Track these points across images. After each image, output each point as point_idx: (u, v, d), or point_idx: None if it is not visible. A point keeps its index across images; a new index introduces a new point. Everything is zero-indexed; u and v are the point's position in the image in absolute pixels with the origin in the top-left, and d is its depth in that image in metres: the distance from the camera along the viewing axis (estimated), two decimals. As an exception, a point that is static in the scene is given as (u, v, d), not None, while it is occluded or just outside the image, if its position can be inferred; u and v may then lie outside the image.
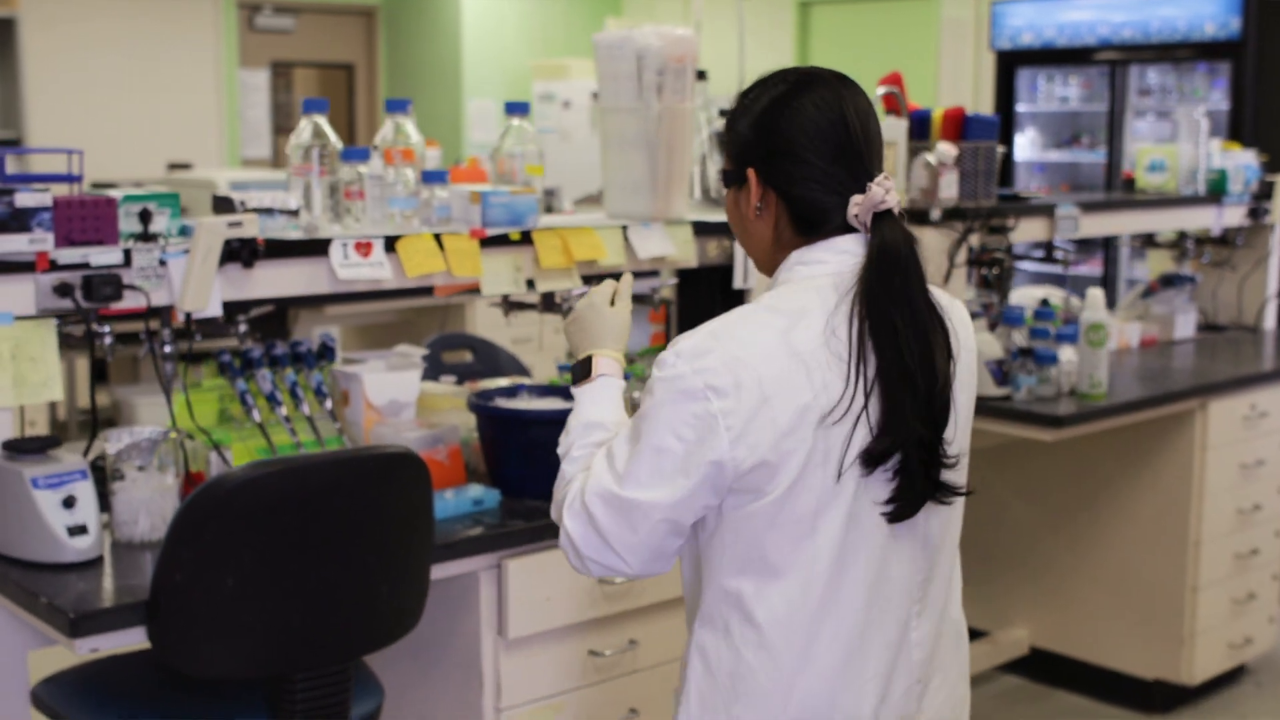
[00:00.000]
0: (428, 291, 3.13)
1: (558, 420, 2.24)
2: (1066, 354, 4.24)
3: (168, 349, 2.88)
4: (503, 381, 3.44)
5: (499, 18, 10.66)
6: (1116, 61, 8.06)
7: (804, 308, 1.86)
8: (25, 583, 2.43)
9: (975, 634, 4.79)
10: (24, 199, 2.57)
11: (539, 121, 10.74)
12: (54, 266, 2.61)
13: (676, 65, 3.51)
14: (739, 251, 3.71)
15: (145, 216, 2.75)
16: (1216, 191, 5.21)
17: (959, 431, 1.94)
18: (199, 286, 2.74)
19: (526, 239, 3.25)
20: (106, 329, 2.76)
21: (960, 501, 1.97)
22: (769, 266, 1.99)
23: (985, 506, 4.79)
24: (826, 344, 1.84)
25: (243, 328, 2.98)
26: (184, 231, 2.87)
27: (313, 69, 11.12)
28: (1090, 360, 4.16)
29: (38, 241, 2.58)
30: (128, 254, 2.69)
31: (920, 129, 4.35)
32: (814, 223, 1.93)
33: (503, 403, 3.12)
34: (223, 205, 2.97)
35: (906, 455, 1.84)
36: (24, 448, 2.56)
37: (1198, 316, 5.41)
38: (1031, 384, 4.13)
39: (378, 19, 11.06)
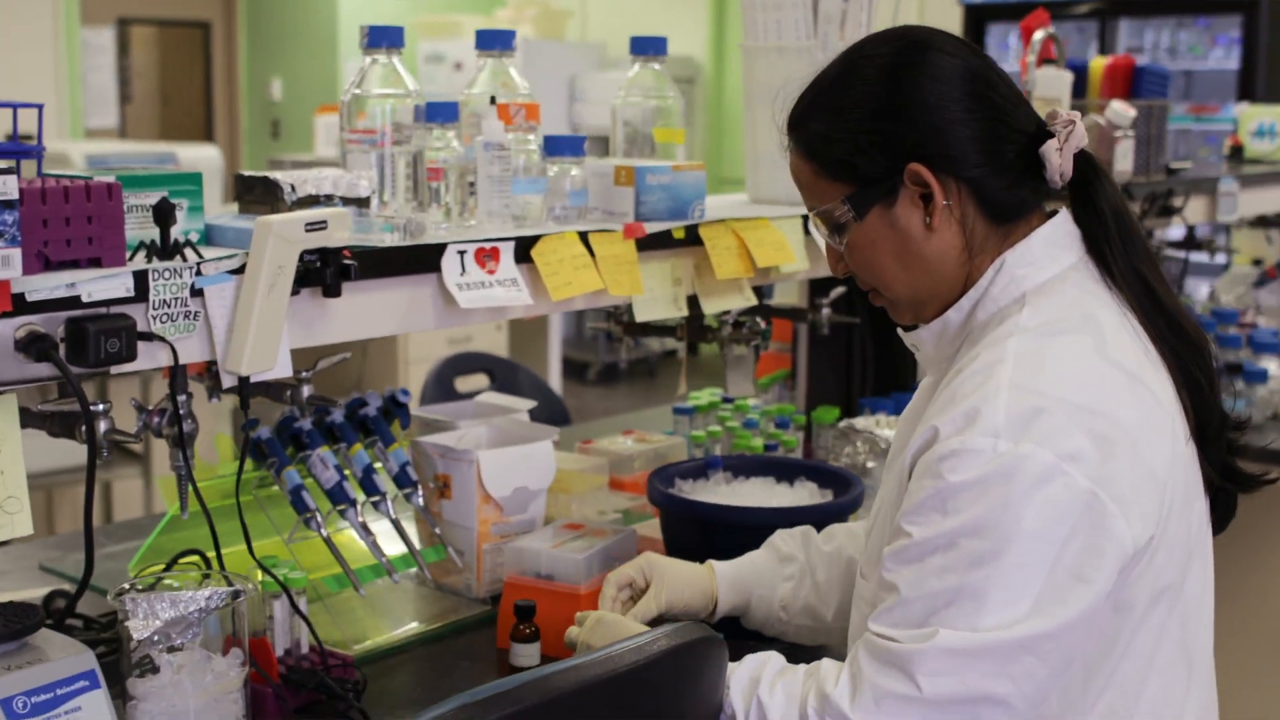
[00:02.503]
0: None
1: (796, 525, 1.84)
2: (1273, 368, 3.33)
3: (187, 426, 1.75)
4: (656, 440, 2.37)
5: (378, -31, 9.43)
6: (1105, 13, 7.23)
7: (1088, 313, 1.46)
8: None
9: None
10: (-35, 187, 1.42)
11: (425, 86, 9.56)
12: (21, 306, 1.47)
13: (862, -13, 2.48)
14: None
15: (165, 213, 1.62)
16: (1346, 160, 4.36)
17: None
18: (264, 332, 1.62)
19: (689, 237, 2.19)
20: (103, 406, 1.62)
21: None
22: (956, 287, 1.53)
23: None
24: (1142, 348, 1.47)
25: (306, 391, 1.86)
26: (204, 237, 1.75)
27: (162, 27, 9.75)
28: (1319, 378, 3.24)
29: (-7, 263, 1.44)
30: (142, 280, 1.56)
31: (1076, 84, 3.38)
32: (1013, 204, 1.52)
33: (701, 493, 2.05)
34: (261, 190, 1.84)
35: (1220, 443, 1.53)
36: (-20, 633, 1.42)
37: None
38: (1239, 409, 3.20)
39: (236, -30, 9.72)
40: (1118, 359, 1.43)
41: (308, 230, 1.65)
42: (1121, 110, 3.25)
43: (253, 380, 1.67)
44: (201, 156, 7.11)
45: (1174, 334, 1.51)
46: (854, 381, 3.03)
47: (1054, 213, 1.57)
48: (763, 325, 2.55)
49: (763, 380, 3.00)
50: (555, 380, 6.83)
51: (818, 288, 2.77)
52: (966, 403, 1.39)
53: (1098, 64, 3.41)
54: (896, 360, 2.98)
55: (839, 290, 2.67)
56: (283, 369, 1.68)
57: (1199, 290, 5.46)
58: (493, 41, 2.16)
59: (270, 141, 9.49)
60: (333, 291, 1.70)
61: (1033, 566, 1.33)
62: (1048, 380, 1.39)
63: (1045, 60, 3.29)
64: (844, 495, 1.98)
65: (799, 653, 1.80)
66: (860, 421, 2.39)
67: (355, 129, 2.00)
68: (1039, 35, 3.27)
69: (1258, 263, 4.87)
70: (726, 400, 2.80)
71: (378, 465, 2.00)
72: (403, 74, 2.00)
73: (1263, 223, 4.57)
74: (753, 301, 2.32)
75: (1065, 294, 1.49)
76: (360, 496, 1.96)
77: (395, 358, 5.67)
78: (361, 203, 1.89)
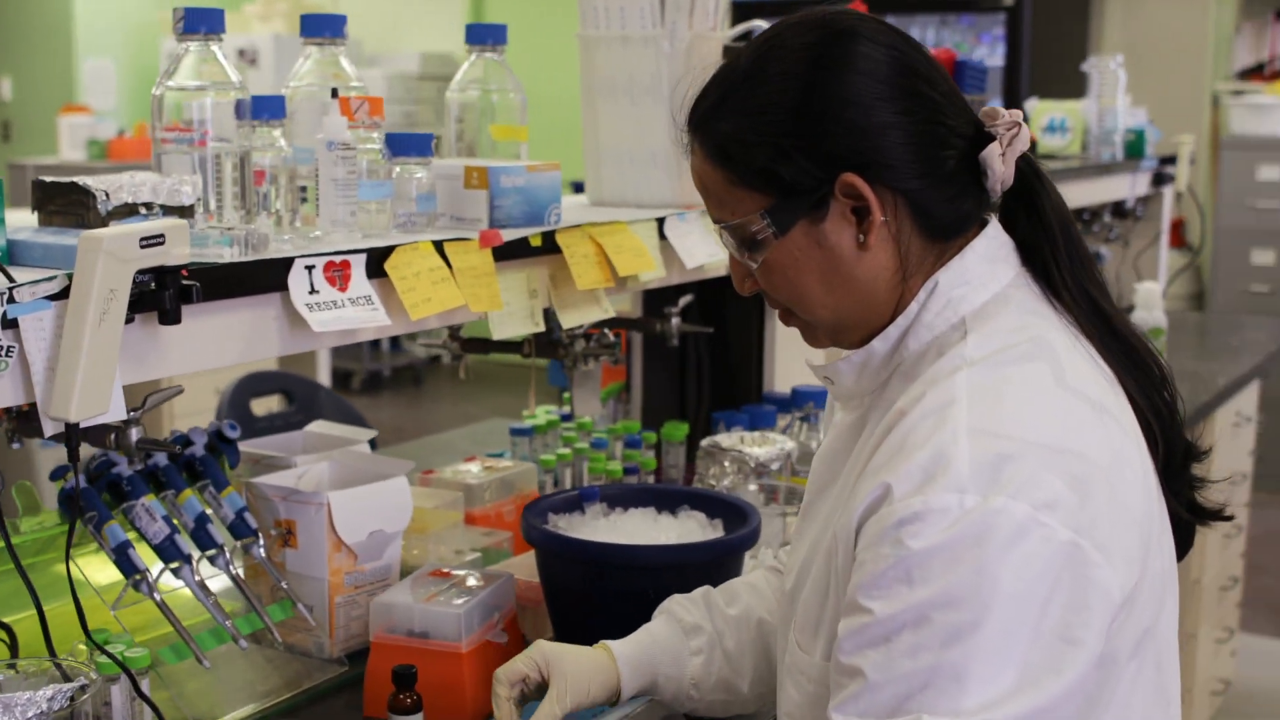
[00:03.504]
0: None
1: (695, 563, 1.72)
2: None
3: (-9, 483, 1.48)
4: (505, 466, 2.16)
5: (116, -39, 8.89)
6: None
7: (1038, 337, 1.29)
8: None
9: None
10: None
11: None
12: None
13: (709, -27, 2.31)
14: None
15: (-34, 230, 1.35)
16: (1135, 155, 4.41)
17: None
18: (96, 368, 1.36)
19: (546, 245, 1.99)
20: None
21: None
22: (886, 311, 1.35)
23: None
24: (1100, 373, 1.32)
25: (135, 433, 1.59)
26: (5, 255, 1.48)
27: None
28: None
29: None
30: (-59, 310, 1.29)
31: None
32: (953, 220, 1.33)
33: (579, 529, 1.85)
34: (66, 198, 1.57)
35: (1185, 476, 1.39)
36: None
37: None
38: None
39: (-44, -39, 9.04)
40: (1079, 388, 1.27)
41: (143, 246, 1.39)
42: (946, 105, 3.17)
43: (83, 425, 1.41)
44: (-73, 162, 6.59)
45: (1130, 360, 1.35)
46: (689, 394, 2.87)
47: (984, 223, 1.40)
48: (612, 338, 2.37)
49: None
50: (325, 392, 6.50)
51: (661, 295, 2.59)
52: (921, 453, 1.20)
53: (917, 58, 3.33)
54: (734, 372, 2.82)
55: (687, 298, 2.51)
56: (116, 411, 1.42)
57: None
58: (321, 28, 1.93)
59: (0, 144, 8.86)
60: (172, 318, 1.45)
61: (1015, 634, 1.15)
62: (1009, 420, 1.21)
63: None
64: (741, 527, 1.80)
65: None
66: (725, 439, 2.22)
67: (171, 126, 1.75)
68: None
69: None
70: (565, 418, 2.61)
71: (212, 513, 1.74)
72: (223, 64, 1.76)
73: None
74: (611, 313, 2.14)
75: (1010, 316, 1.32)
76: (195, 551, 1.70)
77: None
78: (184, 211, 1.64)
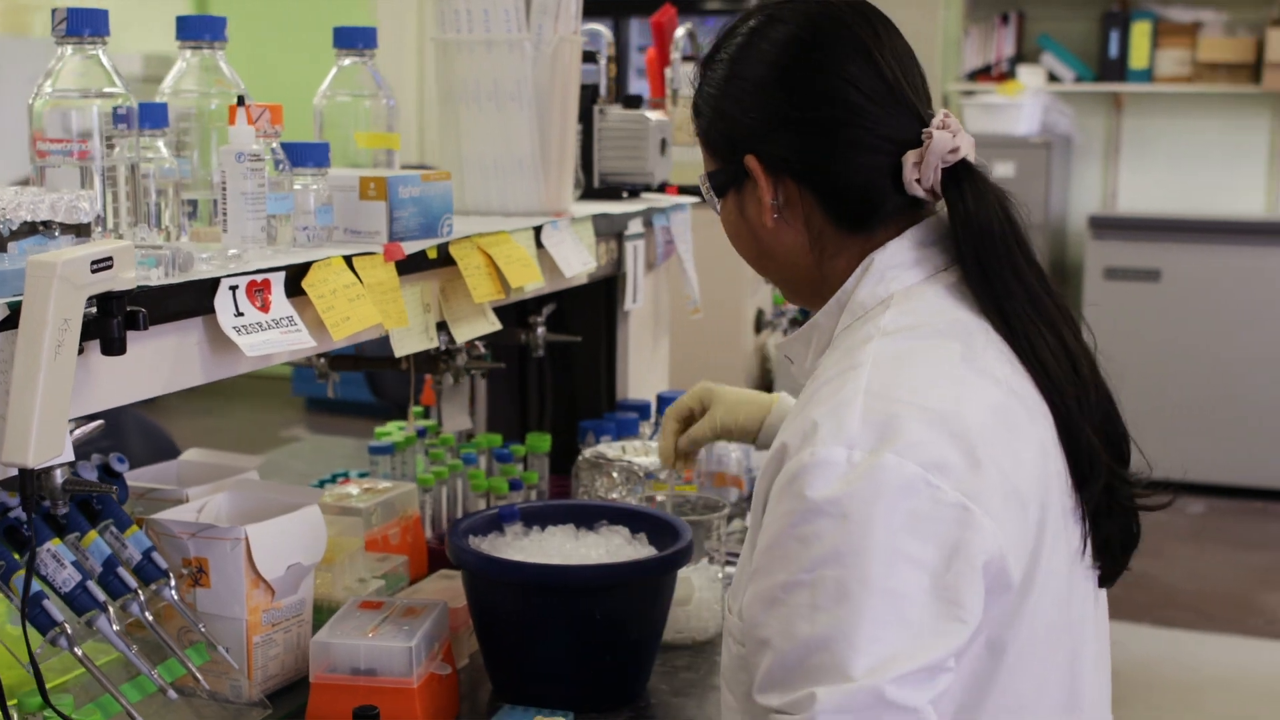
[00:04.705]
0: None
1: (641, 581, 1.70)
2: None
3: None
4: (384, 487, 2.07)
5: None
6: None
7: (958, 319, 1.31)
8: None
9: None
10: None
11: None
12: None
13: (570, -26, 2.28)
14: (629, 259, 2.53)
15: (-103, 257, 1.21)
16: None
17: None
18: (51, 406, 1.24)
19: (441, 257, 1.92)
20: None
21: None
22: (815, 286, 1.40)
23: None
24: (1012, 361, 1.30)
25: (59, 474, 1.45)
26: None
27: None
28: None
29: None
30: (-119, 348, 1.16)
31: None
32: (862, 212, 1.35)
33: (504, 550, 1.79)
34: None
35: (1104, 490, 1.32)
36: None
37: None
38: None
39: None
40: (986, 368, 1.27)
41: (94, 270, 1.28)
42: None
43: (38, 468, 1.28)
44: None
45: (1049, 380, 1.31)
46: (532, 404, 2.82)
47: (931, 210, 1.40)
48: (482, 350, 2.30)
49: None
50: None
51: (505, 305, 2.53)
52: (816, 411, 1.23)
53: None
54: (579, 380, 2.78)
55: (550, 307, 2.46)
56: (67, 452, 1.30)
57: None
58: (200, 30, 1.81)
59: None
60: (118, 347, 1.34)
61: (902, 593, 1.14)
62: (906, 386, 1.23)
63: (689, 58, 3.20)
64: (670, 539, 1.77)
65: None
66: (608, 450, 2.19)
67: (54, 137, 1.62)
68: (680, 32, 3.18)
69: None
70: (420, 434, 2.52)
71: (120, 556, 1.62)
72: (109, 69, 1.64)
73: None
74: (497, 326, 2.07)
75: (934, 300, 1.33)
76: (103, 594, 1.57)
77: None
78: (81, 230, 1.51)
